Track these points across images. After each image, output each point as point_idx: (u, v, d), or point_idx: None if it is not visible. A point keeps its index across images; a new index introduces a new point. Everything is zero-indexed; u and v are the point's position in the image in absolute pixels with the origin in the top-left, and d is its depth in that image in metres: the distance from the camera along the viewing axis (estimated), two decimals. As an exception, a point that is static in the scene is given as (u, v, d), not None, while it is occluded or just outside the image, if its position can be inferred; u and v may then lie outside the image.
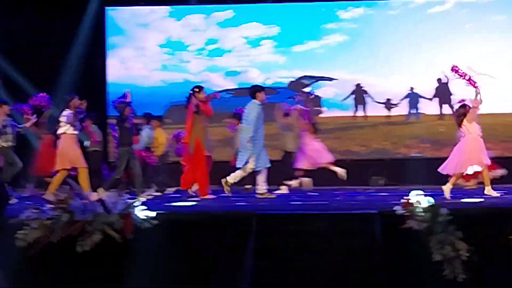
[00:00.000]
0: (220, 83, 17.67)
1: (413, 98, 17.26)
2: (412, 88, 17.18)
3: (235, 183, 12.50)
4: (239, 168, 12.24)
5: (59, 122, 12.30)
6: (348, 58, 17.39)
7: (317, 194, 13.00)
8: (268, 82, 17.40)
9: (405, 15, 17.48)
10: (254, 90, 12.37)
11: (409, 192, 8.35)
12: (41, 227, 7.87)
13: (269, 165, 12.22)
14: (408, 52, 17.14)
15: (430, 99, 17.21)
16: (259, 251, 8.23)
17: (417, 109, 17.34)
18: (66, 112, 12.20)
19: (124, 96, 12.91)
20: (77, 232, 7.88)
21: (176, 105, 17.19)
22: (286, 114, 14.00)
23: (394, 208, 8.19)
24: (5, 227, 8.05)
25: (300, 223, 8.57)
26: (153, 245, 8.12)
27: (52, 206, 8.00)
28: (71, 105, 12.25)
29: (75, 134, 12.35)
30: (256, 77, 17.40)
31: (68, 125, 12.14)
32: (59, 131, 12.33)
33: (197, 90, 12.49)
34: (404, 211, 8.07)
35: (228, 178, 12.26)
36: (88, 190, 11.62)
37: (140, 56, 18.03)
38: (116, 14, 18.00)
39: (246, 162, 12.14)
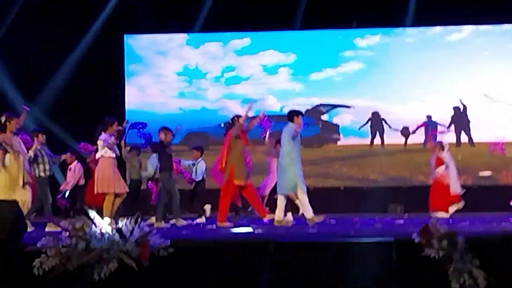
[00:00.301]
0: (237, 110, 17.63)
1: (430, 126, 17.21)
2: (429, 116, 17.14)
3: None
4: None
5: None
6: (365, 85, 17.39)
7: (334, 221, 12.95)
8: (285, 110, 17.39)
9: (422, 43, 17.49)
10: (292, 114, 12.48)
11: (427, 219, 8.32)
12: (58, 255, 7.88)
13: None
14: (425, 80, 17.13)
15: (447, 127, 17.16)
16: (275, 279, 8.21)
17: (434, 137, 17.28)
18: (104, 135, 12.24)
19: (140, 123, 13.07)
20: (93, 260, 7.88)
21: (193, 133, 17.30)
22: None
23: (412, 236, 8.16)
24: (22, 255, 8.07)
25: (317, 250, 8.54)
26: (170, 273, 8.13)
27: (68, 234, 8.01)
28: (111, 128, 12.32)
29: (114, 157, 12.38)
30: (274, 105, 17.45)
31: (106, 148, 12.21)
32: (97, 154, 12.40)
33: (236, 119, 12.62)
34: (421, 239, 8.04)
35: (277, 216, 12.26)
36: (109, 216, 11.73)
37: (158, 84, 18.12)
38: (135, 42, 18.13)
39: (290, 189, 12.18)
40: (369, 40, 17.69)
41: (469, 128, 16.94)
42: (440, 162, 13.96)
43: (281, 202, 12.30)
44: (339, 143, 17.32)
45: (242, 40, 17.96)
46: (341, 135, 17.51)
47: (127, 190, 12.51)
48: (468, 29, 17.44)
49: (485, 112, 16.30)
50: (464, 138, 16.99)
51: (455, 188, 13.65)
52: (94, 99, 17.22)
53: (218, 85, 17.93)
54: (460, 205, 13.52)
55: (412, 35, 17.64)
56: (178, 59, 18.10)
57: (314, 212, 12.31)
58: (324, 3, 16.90)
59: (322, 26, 17.52)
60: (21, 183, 11.82)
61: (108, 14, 17.34)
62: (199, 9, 17.43)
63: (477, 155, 15.86)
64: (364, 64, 17.59)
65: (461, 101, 16.97)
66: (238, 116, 12.79)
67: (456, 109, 17.06)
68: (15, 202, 9.27)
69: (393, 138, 17.36)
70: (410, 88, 17.24)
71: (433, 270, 7.84)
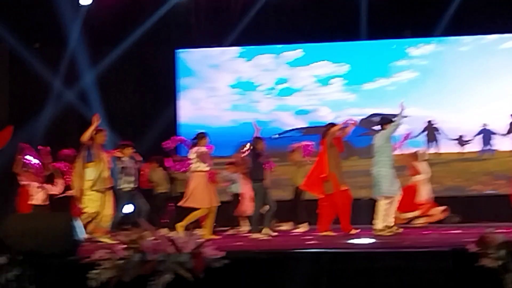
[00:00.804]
0: (290, 122, 17.73)
1: (486, 134, 17.02)
2: (485, 124, 16.94)
3: None
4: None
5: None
6: (419, 95, 17.25)
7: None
8: (339, 120, 17.37)
9: (476, 51, 17.32)
10: (384, 122, 12.64)
11: (484, 229, 8.22)
12: (113, 267, 7.94)
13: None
14: (480, 88, 16.96)
15: (504, 135, 16.94)
16: (330, 290, 8.18)
17: (490, 145, 17.08)
18: (197, 149, 12.35)
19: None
20: (149, 272, 7.92)
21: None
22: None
23: (467, 246, 8.06)
24: (77, 267, 8.15)
25: (372, 260, 8.48)
26: (225, 285, 8.13)
27: (124, 246, 8.07)
28: (201, 142, 12.44)
29: (207, 171, 12.55)
30: (327, 115, 17.39)
31: (199, 163, 12.34)
32: (192, 168, 12.55)
33: (330, 125, 12.85)
34: (477, 249, 7.93)
35: (388, 222, 12.24)
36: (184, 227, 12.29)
37: (211, 97, 18.21)
38: (187, 56, 18.26)
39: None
40: (423, 49, 17.57)
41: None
42: (414, 171, 14.47)
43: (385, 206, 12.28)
44: (394, 153, 17.18)
45: (294, 52, 17.97)
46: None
47: (219, 203, 12.75)
48: (523, 36, 17.23)
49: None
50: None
51: (422, 196, 14.26)
52: (148, 113, 17.42)
53: (270, 97, 17.96)
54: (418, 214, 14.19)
55: (466, 43, 17.48)
56: (231, 72, 18.18)
57: (367, 223, 12.40)
58: (378, 13, 16.85)
59: (375, 36, 17.44)
60: (97, 188, 12.19)
61: (160, 29, 17.48)
62: (252, 22, 17.51)
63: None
64: (418, 73, 17.47)
65: (515, 109, 16.78)
66: (333, 124, 12.81)
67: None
68: (70, 214, 9.38)
69: (449, 147, 17.18)
70: (465, 96, 17.07)
71: (490, 280, 7.74)
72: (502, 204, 14.02)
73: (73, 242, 8.71)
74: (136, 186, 13.34)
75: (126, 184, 13.08)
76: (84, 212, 12.11)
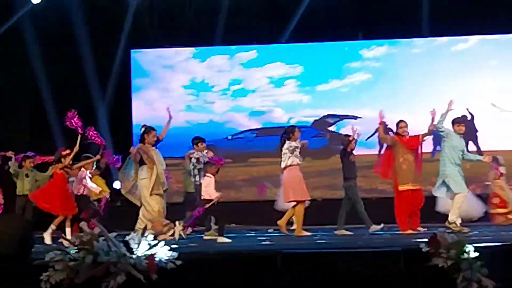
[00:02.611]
0: (244, 123, 17.75)
1: (437, 135, 17.16)
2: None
3: None
4: None
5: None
6: (372, 96, 17.40)
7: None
8: (292, 122, 17.46)
9: (428, 53, 17.52)
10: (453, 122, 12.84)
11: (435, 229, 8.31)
12: (65, 269, 7.87)
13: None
14: (432, 90, 17.12)
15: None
16: (283, 291, 8.19)
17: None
18: (291, 144, 12.36)
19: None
20: (101, 273, 7.87)
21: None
22: None
23: (419, 246, 8.13)
24: (29, 270, 8.07)
25: (324, 261, 8.51)
26: (178, 286, 8.11)
27: (76, 247, 8.01)
28: (293, 136, 12.47)
29: (299, 164, 12.55)
30: (281, 117, 17.49)
31: (293, 156, 12.37)
32: (285, 163, 12.53)
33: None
34: (429, 249, 8.01)
35: (450, 218, 12.18)
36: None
37: (165, 98, 18.13)
38: (141, 57, 18.19)
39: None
40: (376, 51, 17.73)
41: (477, 137, 16.89)
42: None
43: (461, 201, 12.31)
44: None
45: (249, 53, 18.01)
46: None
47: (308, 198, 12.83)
48: (474, 38, 17.43)
49: (492, 121, 16.29)
50: (472, 147, 16.94)
51: None
52: (101, 113, 17.31)
53: (225, 98, 17.98)
54: None
55: (418, 45, 17.67)
56: (185, 73, 18.15)
57: (320, 223, 12.46)
58: (330, 16, 16.97)
59: (328, 38, 17.56)
60: (156, 192, 12.27)
61: (114, 29, 17.42)
62: (205, 23, 17.52)
63: (485, 164, 15.79)
64: (370, 75, 17.63)
65: (468, 110, 16.94)
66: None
67: (463, 118, 17.01)
68: (22, 216, 9.30)
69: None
70: (417, 98, 17.23)
71: (441, 279, 7.81)
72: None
73: (25, 244, 8.62)
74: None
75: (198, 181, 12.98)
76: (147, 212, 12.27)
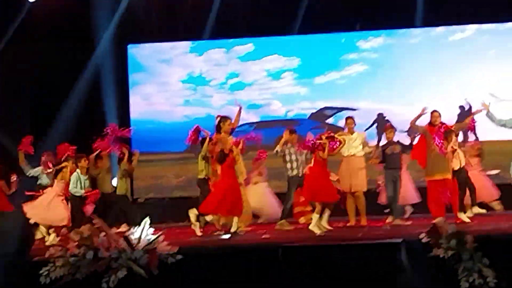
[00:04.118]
0: (242, 116, 17.62)
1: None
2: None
3: None
4: None
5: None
6: (369, 87, 17.35)
7: (341, 225, 12.92)
8: (290, 114, 17.45)
9: (426, 43, 17.44)
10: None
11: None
12: (66, 265, 7.89)
13: None
14: (430, 80, 17.08)
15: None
16: (285, 284, 8.19)
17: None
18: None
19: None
20: (102, 268, 7.88)
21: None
22: None
23: (420, 236, 8.14)
24: (30, 265, 8.08)
25: (325, 253, 8.52)
26: (179, 280, 8.12)
27: (76, 243, 8.02)
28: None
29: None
30: (278, 109, 17.45)
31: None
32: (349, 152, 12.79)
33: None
34: (429, 239, 8.02)
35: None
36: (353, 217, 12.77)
37: (163, 92, 18.11)
38: (138, 51, 18.15)
39: None
40: (373, 42, 17.67)
41: (475, 128, 16.85)
42: None
43: None
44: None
45: (245, 46, 17.95)
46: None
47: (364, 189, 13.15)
48: (471, 28, 17.40)
49: (491, 110, 16.27)
50: (471, 137, 16.90)
51: None
52: (99, 109, 17.28)
53: (222, 92, 17.93)
54: None
55: (415, 35, 17.61)
56: (182, 67, 18.10)
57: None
58: (327, 7, 16.94)
59: (325, 29, 17.53)
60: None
61: (110, 25, 17.38)
62: (201, 17, 17.49)
63: (485, 153, 15.78)
64: (368, 66, 17.56)
65: (466, 100, 16.93)
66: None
67: (461, 108, 17.01)
68: (22, 214, 9.30)
69: (399, 139, 17.28)
70: (415, 88, 17.17)
71: (443, 269, 7.82)
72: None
73: (25, 240, 8.64)
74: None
75: (290, 170, 12.95)
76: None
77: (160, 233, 8.40)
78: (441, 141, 12.21)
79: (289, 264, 8.35)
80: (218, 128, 12.39)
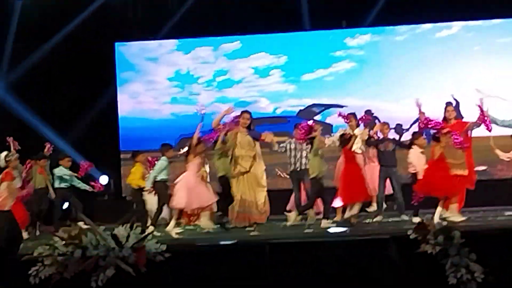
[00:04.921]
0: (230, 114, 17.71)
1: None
2: (422, 113, 17.10)
3: None
4: None
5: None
6: (357, 84, 17.40)
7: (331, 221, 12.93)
8: (278, 111, 17.48)
9: (412, 40, 17.50)
10: None
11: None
12: (54, 264, 7.88)
13: None
14: (417, 77, 17.13)
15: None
16: (273, 280, 8.20)
17: (427, 133, 17.26)
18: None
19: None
20: (90, 267, 7.88)
21: (187, 138, 17.22)
22: None
23: (408, 233, 8.16)
24: (18, 265, 8.06)
25: (314, 250, 8.54)
26: (167, 278, 8.12)
27: (64, 242, 8.01)
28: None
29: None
30: (266, 107, 17.47)
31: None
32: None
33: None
34: (416, 235, 8.04)
35: None
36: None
37: (150, 90, 18.11)
38: (125, 50, 18.12)
39: None
40: (360, 39, 17.70)
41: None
42: None
43: None
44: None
45: (233, 44, 17.95)
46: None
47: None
48: (457, 24, 17.45)
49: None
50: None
51: None
52: (87, 107, 17.29)
53: (210, 89, 17.93)
54: None
55: (402, 32, 17.65)
56: (170, 65, 18.09)
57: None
58: (314, 4, 16.99)
59: (312, 27, 17.56)
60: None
61: (98, 23, 17.38)
62: (188, 14, 17.51)
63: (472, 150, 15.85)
64: (355, 63, 17.60)
65: (453, 96, 16.97)
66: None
67: (448, 104, 17.03)
68: (10, 212, 9.27)
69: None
70: (402, 85, 17.23)
71: (430, 265, 7.85)
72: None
73: (13, 239, 8.62)
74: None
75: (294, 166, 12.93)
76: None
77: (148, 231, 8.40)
78: (459, 137, 12.14)
79: (277, 261, 8.36)
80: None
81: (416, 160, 12.64)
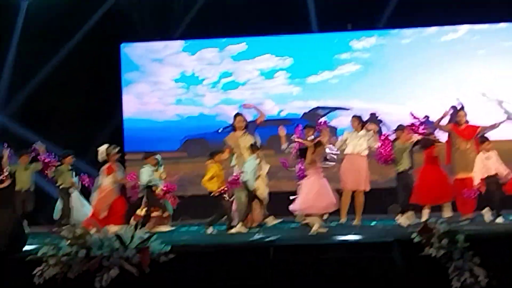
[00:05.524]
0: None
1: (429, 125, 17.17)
2: (426, 116, 17.10)
3: None
4: None
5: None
6: (362, 87, 17.40)
7: (335, 224, 12.93)
8: (283, 114, 17.48)
9: (418, 44, 17.50)
10: None
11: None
12: (58, 264, 7.89)
13: None
14: (422, 80, 17.14)
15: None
16: (276, 282, 8.20)
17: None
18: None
19: None
20: (94, 267, 7.89)
21: (191, 139, 17.30)
22: None
23: (411, 236, 8.15)
24: (22, 264, 8.08)
25: (316, 252, 8.54)
26: (171, 279, 8.12)
27: (68, 242, 8.02)
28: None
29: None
30: (271, 109, 17.46)
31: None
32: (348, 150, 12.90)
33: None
34: (421, 239, 8.04)
35: None
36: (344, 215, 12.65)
37: (155, 91, 18.12)
38: (130, 51, 18.14)
39: None
40: (365, 42, 17.71)
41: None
42: None
43: None
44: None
45: (238, 46, 17.97)
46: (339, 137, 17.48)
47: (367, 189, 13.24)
48: (463, 28, 17.45)
49: (482, 110, 16.30)
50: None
51: None
52: (92, 108, 17.29)
53: (215, 91, 17.94)
54: None
55: (407, 36, 17.66)
56: (175, 66, 18.10)
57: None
58: (320, 7, 17.00)
59: (318, 29, 17.57)
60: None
61: (104, 24, 17.42)
62: (194, 16, 17.54)
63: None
64: (360, 66, 17.61)
65: (458, 100, 16.95)
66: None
67: (453, 108, 17.01)
68: (14, 211, 9.29)
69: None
70: (407, 88, 17.24)
71: (434, 269, 7.85)
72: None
73: (17, 239, 8.63)
74: None
75: None
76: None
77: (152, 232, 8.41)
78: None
79: (280, 263, 8.37)
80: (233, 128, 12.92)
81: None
